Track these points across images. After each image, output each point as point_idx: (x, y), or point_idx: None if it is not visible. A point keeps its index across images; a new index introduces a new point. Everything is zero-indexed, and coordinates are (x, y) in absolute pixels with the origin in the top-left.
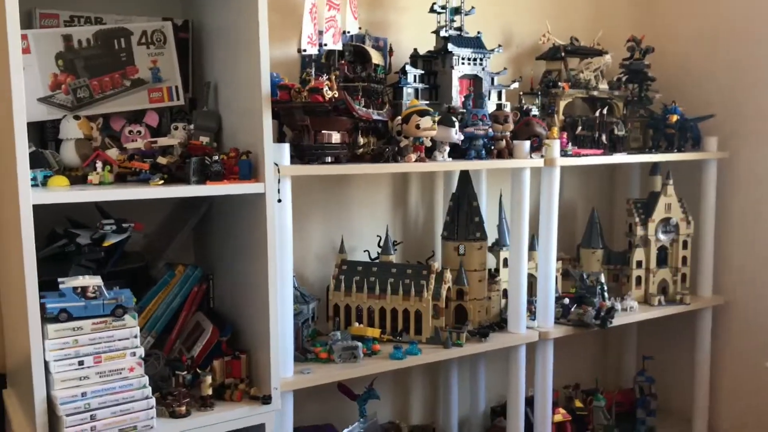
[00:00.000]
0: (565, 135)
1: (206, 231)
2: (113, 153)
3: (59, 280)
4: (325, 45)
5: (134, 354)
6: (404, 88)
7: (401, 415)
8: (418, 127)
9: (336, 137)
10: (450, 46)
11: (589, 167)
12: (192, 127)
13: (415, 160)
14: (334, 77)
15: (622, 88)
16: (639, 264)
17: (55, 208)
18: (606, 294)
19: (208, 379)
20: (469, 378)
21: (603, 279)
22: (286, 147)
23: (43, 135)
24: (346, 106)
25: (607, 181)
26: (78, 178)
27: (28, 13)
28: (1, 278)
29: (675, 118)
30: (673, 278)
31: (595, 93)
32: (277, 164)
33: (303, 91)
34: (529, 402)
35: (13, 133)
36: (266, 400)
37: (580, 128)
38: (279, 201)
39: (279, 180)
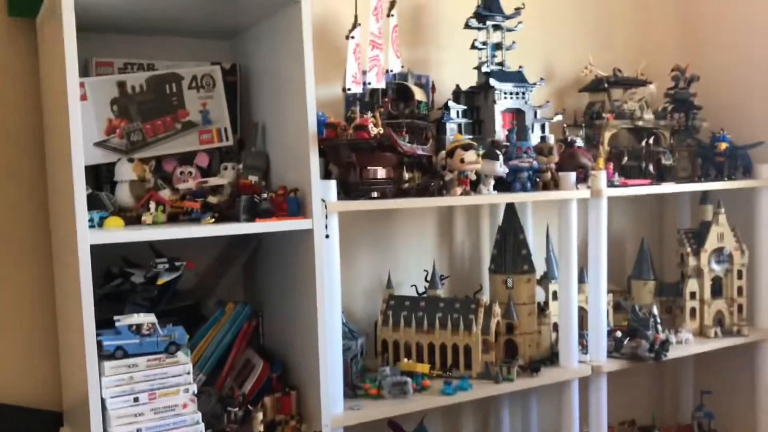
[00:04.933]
0: (611, 165)
1: (255, 268)
2: (166, 194)
3: (115, 318)
4: (369, 84)
5: (187, 390)
6: (447, 124)
7: None
8: (462, 160)
9: (382, 173)
10: (492, 81)
11: (637, 198)
12: (241, 166)
13: (461, 194)
14: (378, 114)
15: (668, 118)
16: (693, 295)
17: (111, 249)
18: (660, 326)
19: (260, 415)
20: (521, 414)
21: (656, 311)
22: (332, 184)
23: (99, 178)
24: (391, 141)
25: (656, 211)
26: (132, 219)
27: (85, 62)
28: (60, 318)
29: (724, 146)
30: (729, 309)
31: (641, 123)
32: (324, 200)
33: (349, 129)
34: None
35: (72, 176)
36: None
37: (626, 159)
38: (327, 236)
39: (326, 216)
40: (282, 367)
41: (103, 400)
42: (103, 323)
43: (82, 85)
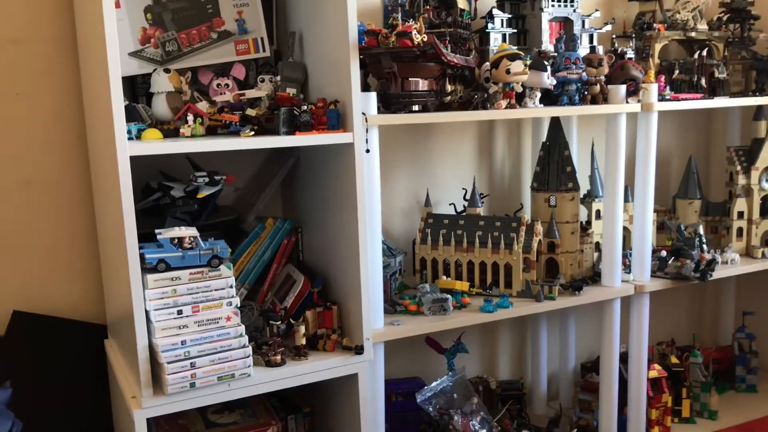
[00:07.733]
0: (662, 79)
1: (295, 184)
2: (203, 106)
3: (156, 231)
4: None
5: (230, 304)
6: (491, 33)
7: (489, 369)
8: (508, 72)
9: (423, 85)
10: None
11: (686, 113)
12: (278, 78)
13: (506, 107)
14: (421, 21)
15: (722, 29)
16: (740, 215)
17: (149, 162)
18: (705, 246)
19: (302, 329)
20: (558, 333)
21: (701, 231)
22: (373, 96)
23: (134, 89)
24: (435, 50)
25: (703, 128)
26: (170, 132)
27: None
28: (100, 231)
29: None
30: None
31: (693, 34)
32: (364, 114)
33: (391, 36)
34: (622, 358)
35: (109, 87)
36: (359, 350)
37: (677, 72)
38: (367, 151)
39: (367, 130)
40: (322, 282)
41: (147, 313)
42: (144, 238)
43: None
